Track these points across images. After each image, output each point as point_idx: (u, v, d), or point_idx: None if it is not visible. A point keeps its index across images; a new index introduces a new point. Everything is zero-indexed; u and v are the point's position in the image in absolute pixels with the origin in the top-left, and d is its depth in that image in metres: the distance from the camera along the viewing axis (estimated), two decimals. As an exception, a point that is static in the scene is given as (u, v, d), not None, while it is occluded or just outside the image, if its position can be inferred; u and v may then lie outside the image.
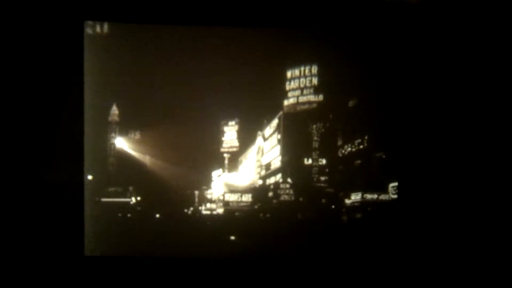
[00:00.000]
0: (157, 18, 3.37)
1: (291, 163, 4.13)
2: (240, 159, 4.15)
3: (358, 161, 4.08)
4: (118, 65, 3.57)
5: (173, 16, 3.37)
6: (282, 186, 3.98)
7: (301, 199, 4.07)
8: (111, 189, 3.68)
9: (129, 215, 3.63)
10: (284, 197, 4.00)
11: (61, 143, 3.35)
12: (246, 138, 4.11)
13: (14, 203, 3.26)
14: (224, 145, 3.92)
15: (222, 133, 3.88)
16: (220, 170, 3.87)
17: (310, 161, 4.13)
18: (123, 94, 3.62)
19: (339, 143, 4.15)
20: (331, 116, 4.09)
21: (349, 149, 4.13)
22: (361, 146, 4.08)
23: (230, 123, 3.89)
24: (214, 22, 3.49)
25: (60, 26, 3.17)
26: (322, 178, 4.15)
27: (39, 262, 3.31)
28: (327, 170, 4.14)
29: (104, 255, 3.54)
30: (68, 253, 3.36)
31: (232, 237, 3.80)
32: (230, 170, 4.01)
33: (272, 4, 3.38)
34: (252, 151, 4.24)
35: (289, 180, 4.02)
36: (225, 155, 3.94)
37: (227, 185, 4.04)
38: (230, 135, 3.93)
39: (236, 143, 3.99)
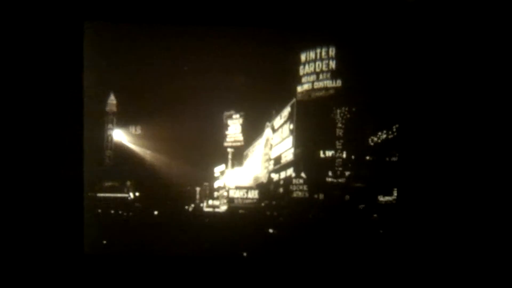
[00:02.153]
0: (158, 18, 3.32)
1: (306, 155, 3.65)
2: (245, 153, 3.87)
3: (395, 152, 3.57)
4: (118, 56, 3.40)
5: (176, 16, 3.31)
6: (294, 181, 3.60)
7: (316, 196, 3.62)
8: (108, 183, 3.51)
9: (125, 213, 3.56)
10: (297, 194, 3.58)
11: (60, 141, 3.25)
12: (252, 131, 3.81)
13: (12, 201, 3.20)
14: (227, 139, 3.74)
15: (225, 126, 3.70)
16: (223, 165, 3.77)
17: (330, 152, 3.62)
18: (122, 83, 3.43)
19: (368, 130, 3.63)
20: (357, 101, 3.61)
21: (384, 136, 3.60)
22: (399, 134, 3.55)
23: (234, 116, 3.68)
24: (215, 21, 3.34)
25: (60, 23, 3.16)
26: (348, 173, 3.63)
27: (39, 260, 3.24)
28: (353, 162, 3.63)
29: (103, 253, 3.42)
30: (68, 251, 3.27)
31: (236, 236, 3.54)
32: (234, 165, 3.82)
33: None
34: (259, 144, 3.91)
35: (302, 174, 3.61)
36: (229, 149, 3.77)
37: (232, 181, 3.82)
38: (234, 128, 3.72)
39: (240, 137, 3.75)
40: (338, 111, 3.56)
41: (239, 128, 3.70)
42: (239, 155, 3.80)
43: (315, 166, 3.59)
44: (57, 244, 3.26)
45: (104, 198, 3.47)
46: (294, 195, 3.59)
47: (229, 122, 3.67)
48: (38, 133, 3.20)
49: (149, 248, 3.47)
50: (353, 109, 3.57)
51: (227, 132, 3.68)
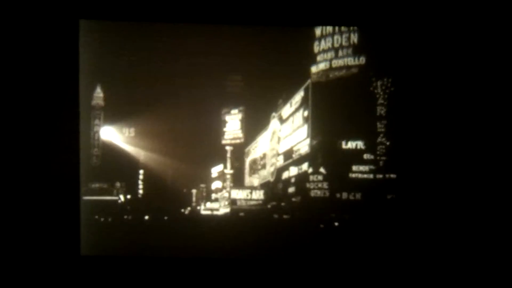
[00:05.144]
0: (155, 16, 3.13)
1: (325, 146, 3.16)
2: (247, 150, 3.57)
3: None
4: (112, 52, 3.17)
5: (170, 13, 3.10)
6: (311, 178, 3.17)
7: (339, 195, 3.10)
8: (95, 185, 3.21)
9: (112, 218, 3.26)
10: (315, 193, 3.13)
11: (56, 140, 3.04)
12: (254, 125, 3.49)
13: (9, 201, 3.01)
14: (226, 136, 3.49)
15: (223, 123, 3.45)
16: (221, 165, 3.47)
17: (354, 143, 3.08)
18: (112, 77, 3.19)
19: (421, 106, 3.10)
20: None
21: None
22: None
23: (233, 111, 3.43)
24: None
25: (56, 21, 3.02)
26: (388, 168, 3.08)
27: (36, 261, 3.04)
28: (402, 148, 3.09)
29: (100, 254, 3.15)
30: (65, 252, 3.06)
31: (237, 243, 3.14)
32: (233, 164, 3.51)
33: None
34: (263, 139, 3.55)
35: (322, 169, 3.15)
36: (228, 147, 3.49)
37: (233, 181, 3.48)
38: (233, 124, 3.46)
39: (240, 133, 3.47)
40: (379, 83, 3.02)
41: (239, 124, 3.45)
42: (239, 153, 3.53)
43: (338, 159, 3.13)
44: (55, 247, 3.07)
45: (91, 201, 3.16)
46: (312, 194, 3.15)
47: (227, 118, 3.46)
48: (33, 132, 3.02)
49: (144, 251, 3.16)
50: (398, 81, 3.03)
51: (225, 129, 3.47)
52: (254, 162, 3.61)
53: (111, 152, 3.27)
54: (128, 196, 3.29)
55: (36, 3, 3.00)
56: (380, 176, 3.04)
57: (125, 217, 3.29)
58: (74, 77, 3.06)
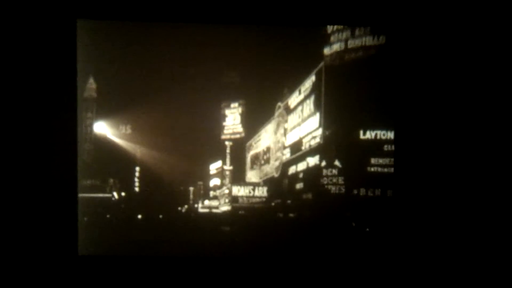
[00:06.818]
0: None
1: (340, 137, 2.91)
2: (248, 144, 3.36)
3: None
4: (108, 45, 3.01)
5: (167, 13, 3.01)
6: (325, 172, 2.92)
7: (356, 191, 2.87)
8: (87, 182, 3.07)
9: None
10: (329, 189, 2.90)
11: (52, 138, 2.95)
12: (256, 117, 3.27)
13: (6, 201, 2.96)
14: (225, 131, 3.30)
15: (223, 117, 3.27)
16: (220, 161, 3.29)
17: (374, 132, 2.84)
18: (105, 68, 3.01)
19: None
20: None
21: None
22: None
23: (232, 105, 3.25)
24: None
25: (54, 21, 2.95)
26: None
27: (33, 261, 2.97)
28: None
29: (98, 254, 3.08)
30: (62, 252, 3.00)
31: (237, 242, 3.00)
32: (233, 160, 3.32)
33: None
34: (267, 131, 3.33)
35: (336, 163, 2.91)
36: (227, 142, 3.31)
37: (232, 178, 3.30)
38: (232, 119, 3.29)
39: (240, 128, 3.28)
40: (401, 66, 2.78)
41: (239, 119, 3.28)
42: (239, 148, 3.35)
43: (355, 150, 2.89)
44: (53, 247, 3.00)
45: (83, 199, 3.02)
46: (325, 190, 2.94)
47: (227, 112, 3.29)
48: (29, 129, 2.93)
49: (139, 250, 3.06)
50: (423, 63, 2.78)
51: (224, 123, 3.30)
52: (256, 157, 3.43)
53: (104, 147, 3.12)
54: (123, 194, 3.15)
55: (35, 2, 2.92)
56: (402, 170, 2.80)
57: (119, 215, 3.11)
58: (72, 75, 2.97)
